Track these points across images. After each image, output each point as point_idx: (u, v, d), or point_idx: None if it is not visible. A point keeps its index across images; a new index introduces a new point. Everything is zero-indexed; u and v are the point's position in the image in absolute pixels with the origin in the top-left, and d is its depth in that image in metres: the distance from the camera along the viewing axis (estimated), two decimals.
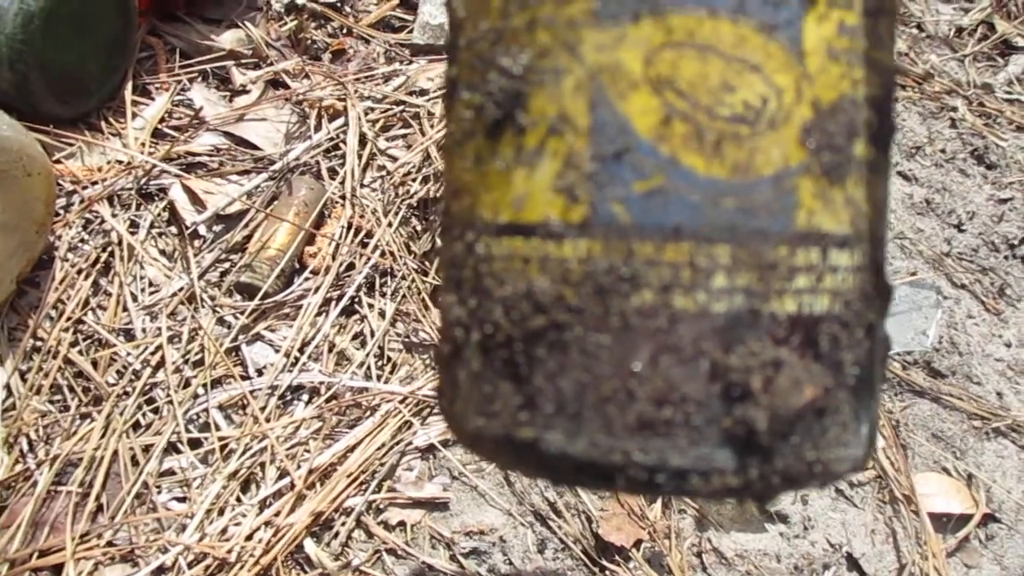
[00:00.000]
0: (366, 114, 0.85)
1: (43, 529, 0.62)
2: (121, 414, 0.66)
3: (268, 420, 0.67)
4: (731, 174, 0.22)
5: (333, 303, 0.74)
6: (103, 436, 0.65)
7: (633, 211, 0.22)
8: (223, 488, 0.64)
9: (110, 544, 0.61)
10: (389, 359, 0.72)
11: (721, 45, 0.22)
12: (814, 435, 0.23)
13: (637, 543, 0.65)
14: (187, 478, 0.64)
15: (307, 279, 0.75)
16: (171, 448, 0.66)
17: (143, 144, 0.80)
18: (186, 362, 0.69)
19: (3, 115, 0.64)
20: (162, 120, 0.83)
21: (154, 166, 0.78)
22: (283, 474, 0.65)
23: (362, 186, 0.81)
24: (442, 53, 0.91)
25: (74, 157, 0.78)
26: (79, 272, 0.73)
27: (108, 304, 0.72)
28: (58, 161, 0.77)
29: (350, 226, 0.78)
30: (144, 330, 0.71)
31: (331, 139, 0.83)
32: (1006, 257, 0.87)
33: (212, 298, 0.73)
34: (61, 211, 0.75)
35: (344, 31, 0.94)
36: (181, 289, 0.73)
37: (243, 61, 0.89)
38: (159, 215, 0.77)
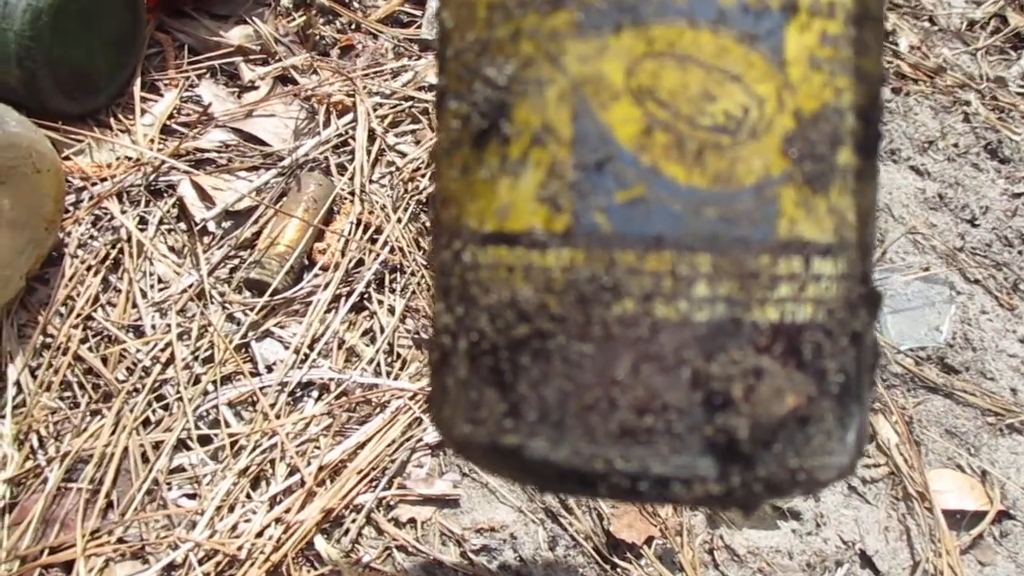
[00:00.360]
0: (375, 110, 0.85)
1: (54, 526, 0.62)
2: (131, 411, 0.66)
3: (278, 417, 0.67)
4: (712, 183, 0.22)
5: (343, 299, 0.74)
6: (113, 433, 0.65)
7: (615, 220, 0.22)
8: (233, 485, 0.64)
9: (121, 541, 0.61)
10: (399, 355, 0.72)
11: (702, 55, 0.22)
12: (797, 443, 0.23)
13: (648, 540, 0.65)
14: (197, 475, 0.64)
15: (316, 275, 0.75)
16: (181, 445, 0.66)
17: (152, 140, 0.80)
18: (196, 359, 0.69)
19: (12, 112, 0.64)
20: (171, 116, 0.83)
21: (163, 162, 0.78)
22: (293, 471, 0.64)
23: (371, 182, 0.81)
24: None
25: (83, 153, 0.78)
26: (88, 269, 0.72)
27: (118, 301, 0.72)
28: (67, 158, 0.77)
29: (359, 222, 0.77)
30: (154, 327, 0.71)
31: (340, 135, 0.83)
32: (1020, 252, 0.86)
33: (221, 294, 0.73)
34: (70, 208, 0.75)
35: (353, 26, 0.93)
36: (191, 285, 0.73)
37: (251, 57, 0.89)
38: (168, 211, 0.77)
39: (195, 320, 0.71)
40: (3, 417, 0.65)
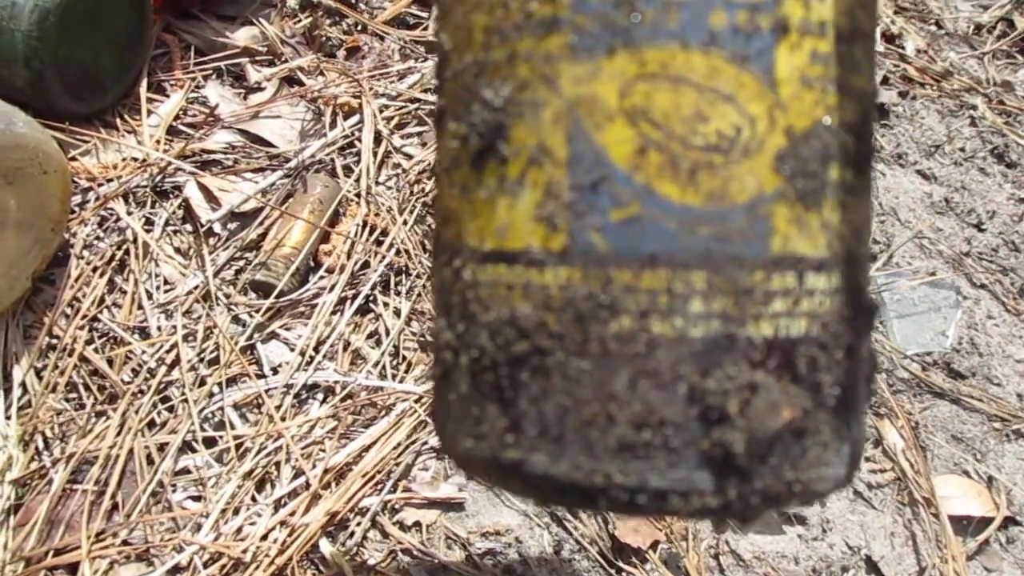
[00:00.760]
0: (381, 111, 0.85)
1: (58, 527, 0.61)
2: (136, 412, 0.66)
3: (283, 419, 0.67)
4: (706, 202, 0.23)
5: (348, 301, 0.74)
6: (118, 434, 0.65)
7: (610, 239, 0.23)
8: (238, 487, 0.63)
9: (125, 543, 0.61)
10: (404, 358, 0.72)
11: (694, 76, 0.22)
12: (793, 456, 0.23)
13: (654, 545, 0.65)
14: (202, 477, 0.64)
15: (322, 277, 0.75)
16: (186, 447, 0.66)
17: (158, 141, 0.80)
18: (201, 360, 0.69)
19: (19, 112, 0.64)
20: (177, 117, 0.83)
21: (169, 163, 0.78)
22: (298, 473, 0.64)
23: (377, 184, 0.81)
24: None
25: (89, 154, 0.78)
26: (94, 270, 0.72)
27: (123, 302, 0.71)
28: (73, 158, 0.77)
29: (365, 224, 0.77)
30: (159, 328, 0.71)
31: (346, 136, 0.83)
32: None
33: (227, 296, 0.73)
34: (76, 208, 0.75)
35: (359, 28, 0.93)
36: (196, 287, 0.73)
37: (258, 58, 0.89)
38: (174, 213, 0.77)
39: (201, 322, 0.71)
40: (8, 418, 0.65)
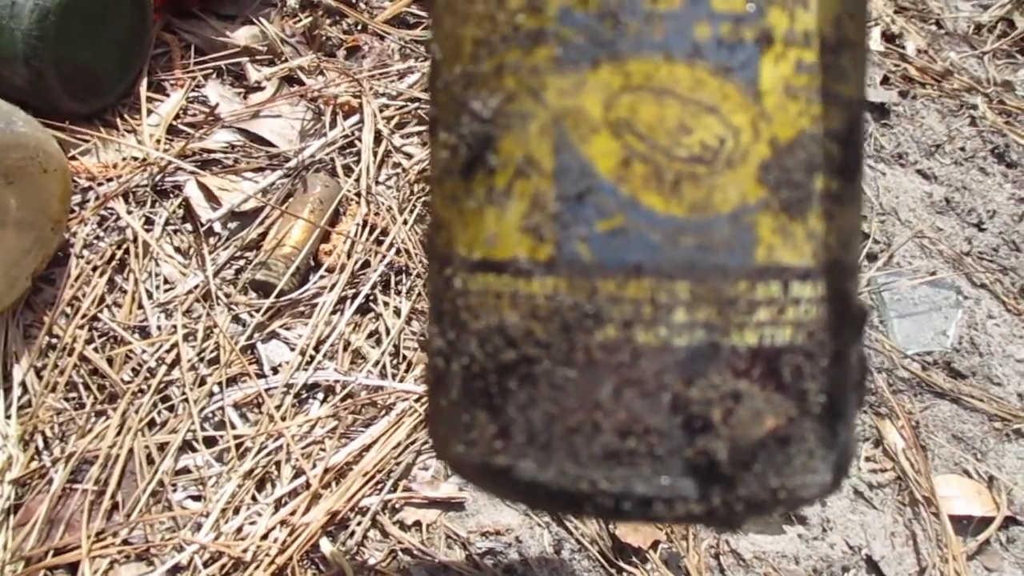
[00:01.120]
0: (381, 111, 0.85)
1: (58, 527, 0.61)
2: (136, 412, 0.66)
3: (283, 419, 0.67)
4: (689, 212, 0.23)
5: (348, 301, 0.74)
6: (118, 434, 0.65)
7: (596, 250, 0.23)
8: (238, 487, 0.63)
9: (125, 542, 0.61)
10: (404, 357, 0.72)
11: (678, 88, 0.23)
12: (777, 463, 0.24)
13: (654, 544, 0.65)
14: (202, 476, 0.64)
15: (322, 277, 0.75)
16: (186, 446, 0.66)
17: (158, 141, 0.80)
18: (201, 360, 0.69)
19: (19, 112, 0.64)
20: (177, 117, 0.83)
21: (169, 163, 0.78)
22: (298, 473, 0.64)
23: (377, 183, 0.81)
24: None
25: (89, 154, 0.78)
26: (94, 269, 0.72)
27: (123, 301, 0.71)
28: (73, 158, 0.77)
29: (365, 223, 0.77)
30: (159, 327, 0.70)
31: (346, 136, 0.83)
32: None
33: (227, 295, 0.73)
34: (76, 208, 0.75)
35: (359, 27, 0.93)
36: (196, 286, 0.73)
37: (258, 58, 0.89)
38: (174, 212, 0.77)
39: (201, 321, 0.71)
40: (8, 418, 0.65)
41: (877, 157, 0.92)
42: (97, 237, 0.74)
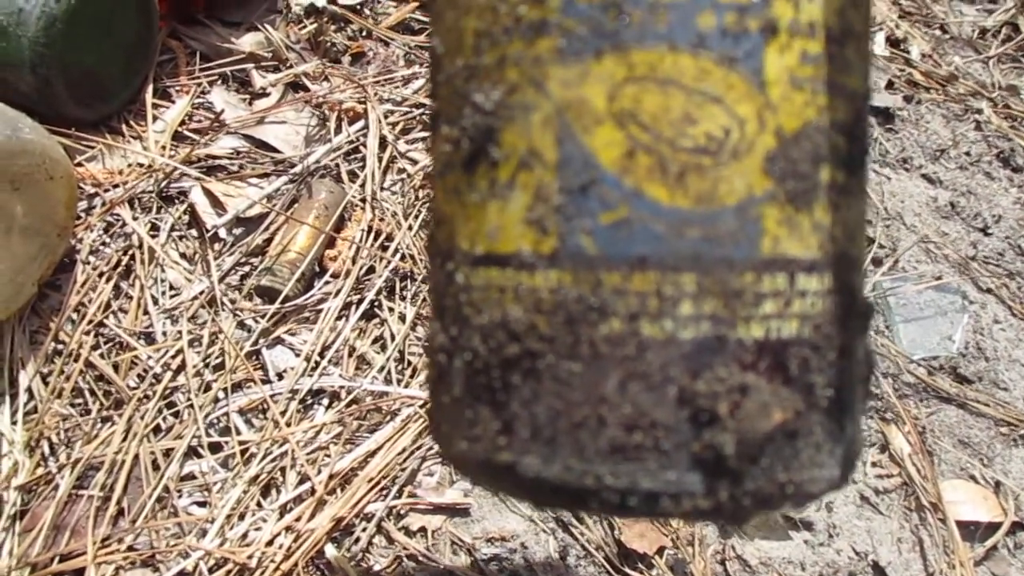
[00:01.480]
0: (386, 117, 0.85)
1: (64, 533, 0.61)
2: (142, 418, 0.66)
3: (288, 424, 0.67)
4: (695, 204, 0.22)
5: (353, 307, 0.74)
6: (124, 440, 0.65)
7: (600, 242, 0.23)
8: (244, 493, 0.63)
9: (131, 548, 0.61)
10: (409, 363, 0.72)
11: (683, 78, 0.22)
12: (785, 457, 0.23)
13: (660, 550, 0.64)
14: (207, 482, 0.64)
15: (327, 283, 0.75)
16: (192, 452, 0.66)
17: (163, 147, 0.80)
18: (207, 366, 0.69)
19: (26, 118, 0.64)
20: (182, 123, 0.83)
21: (174, 169, 0.78)
22: (304, 479, 0.64)
23: (382, 189, 0.81)
24: None
25: (95, 160, 0.79)
26: (100, 275, 0.73)
27: (129, 307, 0.72)
28: (79, 164, 0.77)
29: (370, 229, 0.77)
30: (165, 333, 0.71)
31: (351, 142, 0.83)
32: None
33: (232, 301, 0.73)
34: (82, 214, 0.75)
35: (364, 33, 0.94)
36: (202, 292, 0.73)
37: (263, 64, 0.89)
38: (179, 218, 0.77)
39: (206, 327, 0.71)
40: (14, 424, 0.65)
41: (882, 162, 0.92)
42: (103, 243, 0.74)
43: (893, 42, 1.05)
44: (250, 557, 0.60)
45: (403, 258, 0.76)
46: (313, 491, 0.63)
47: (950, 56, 1.04)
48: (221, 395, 0.68)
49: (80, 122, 0.78)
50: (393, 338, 0.72)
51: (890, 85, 0.99)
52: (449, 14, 0.26)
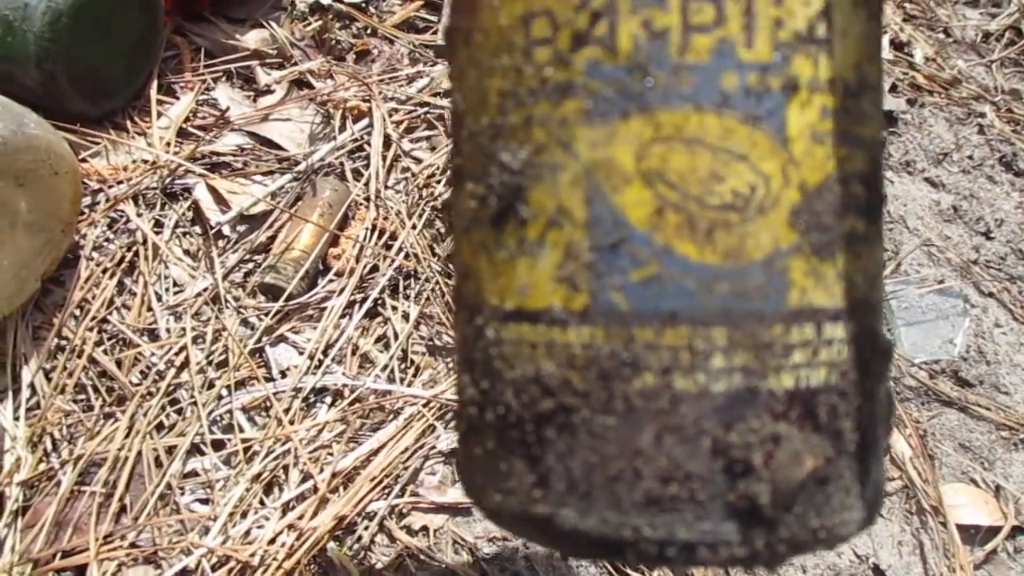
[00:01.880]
0: (390, 115, 0.85)
1: (67, 529, 0.61)
2: (145, 415, 0.66)
3: (291, 422, 0.67)
4: (723, 259, 0.23)
5: (357, 305, 0.74)
6: (127, 436, 0.65)
7: (631, 298, 0.23)
8: (246, 490, 0.63)
9: (133, 545, 0.61)
10: (412, 362, 0.72)
11: (708, 138, 0.23)
12: (817, 503, 0.24)
13: None
14: (210, 480, 0.64)
15: (331, 281, 0.75)
16: (195, 450, 0.66)
17: (168, 143, 0.80)
18: (210, 363, 0.69)
19: (31, 113, 0.64)
20: (187, 119, 0.83)
21: (179, 165, 0.78)
22: (306, 477, 0.64)
23: (386, 188, 0.81)
24: None
25: (99, 156, 0.79)
26: (104, 271, 0.72)
27: (133, 304, 0.72)
28: (84, 160, 0.77)
29: (374, 228, 0.77)
30: (168, 330, 0.71)
31: (355, 140, 0.83)
32: None
33: (236, 299, 0.73)
34: (86, 210, 0.75)
35: (369, 31, 0.93)
36: (205, 289, 0.73)
37: (268, 61, 0.89)
38: (184, 215, 0.77)
39: (210, 324, 0.71)
40: (17, 419, 0.65)
41: (885, 165, 0.92)
42: (107, 239, 0.74)
43: (897, 45, 1.05)
44: (252, 555, 0.60)
45: (407, 257, 0.76)
46: (316, 489, 0.63)
47: (953, 60, 1.04)
48: (224, 392, 0.68)
49: (85, 118, 0.78)
50: (396, 337, 0.72)
51: (893, 88, 0.99)
52: (471, 72, 0.26)
